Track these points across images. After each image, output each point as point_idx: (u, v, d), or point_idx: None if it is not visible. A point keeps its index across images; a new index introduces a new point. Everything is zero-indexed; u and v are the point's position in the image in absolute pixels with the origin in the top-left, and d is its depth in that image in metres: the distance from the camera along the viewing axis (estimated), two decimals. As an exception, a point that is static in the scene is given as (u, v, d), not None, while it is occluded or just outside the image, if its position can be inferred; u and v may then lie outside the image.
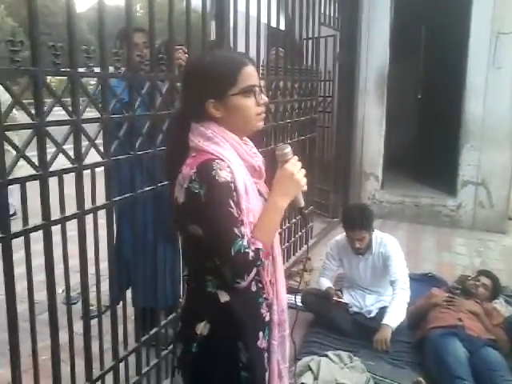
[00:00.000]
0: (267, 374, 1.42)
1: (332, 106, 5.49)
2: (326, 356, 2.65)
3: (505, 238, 5.20)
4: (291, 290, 3.63)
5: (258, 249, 1.25)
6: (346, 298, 3.25)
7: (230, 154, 1.30)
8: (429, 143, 6.81)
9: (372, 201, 5.74)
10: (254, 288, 1.36)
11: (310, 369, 2.50)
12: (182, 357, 1.40)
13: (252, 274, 1.28)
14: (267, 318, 1.42)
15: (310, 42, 4.53)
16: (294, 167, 1.36)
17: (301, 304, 3.25)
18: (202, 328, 1.33)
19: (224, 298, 1.32)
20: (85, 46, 1.87)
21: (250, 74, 1.33)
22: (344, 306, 3.17)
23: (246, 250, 1.23)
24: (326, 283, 3.30)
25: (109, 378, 2.13)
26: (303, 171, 1.38)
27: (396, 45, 5.76)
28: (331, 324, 3.15)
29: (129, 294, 2.40)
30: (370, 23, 5.62)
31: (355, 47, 5.63)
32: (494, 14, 5.14)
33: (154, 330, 2.41)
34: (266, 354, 1.42)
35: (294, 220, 4.24)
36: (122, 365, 2.20)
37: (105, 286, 2.09)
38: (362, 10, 5.58)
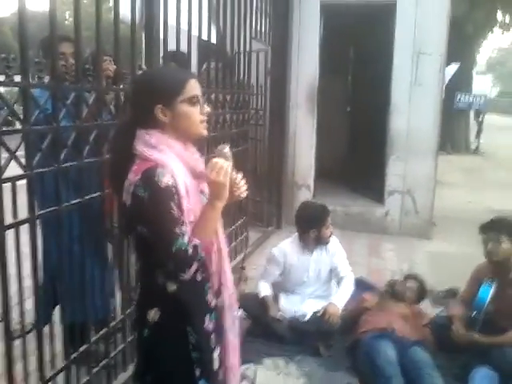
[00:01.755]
0: (216, 352, 1.59)
1: (264, 118, 5.57)
2: (262, 363, 2.66)
3: (429, 243, 5.47)
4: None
5: (196, 245, 1.40)
6: (282, 302, 3.32)
7: (173, 161, 1.44)
8: (358, 155, 7.07)
9: (305, 211, 5.85)
10: (199, 278, 1.46)
11: (246, 376, 2.50)
12: (137, 341, 1.57)
13: (194, 268, 1.40)
14: (213, 304, 1.58)
15: (242, 56, 4.60)
16: (217, 171, 1.44)
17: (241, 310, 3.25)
18: (153, 315, 1.48)
19: (172, 287, 1.46)
20: (6, 53, 1.80)
21: (196, 86, 1.50)
22: (279, 321, 3.20)
23: (185, 248, 1.38)
24: (264, 289, 3.34)
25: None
26: (227, 173, 1.46)
27: (326, 61, 5.97)
28: (267, 330, 3.17)
29: (58, 311, 2.31)
30: (300, 39, 5.77)
31: (286, 62, 5.75)
32: (414, 37, 5.47)
33: (84, 347, 2.32)
34: (212, 335, 1.57)
35: (228, 230, 4.25)
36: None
37: (30, 303, 2.00)
38: (293, 27, 5.73)
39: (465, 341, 2.88)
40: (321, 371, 2.80)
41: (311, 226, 3.27)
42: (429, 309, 3.59)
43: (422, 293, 3.49)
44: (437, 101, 5.61)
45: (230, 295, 1.64)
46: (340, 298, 3.18)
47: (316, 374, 2.74)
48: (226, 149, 1.54)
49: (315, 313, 3.18)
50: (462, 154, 13.19)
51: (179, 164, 1.46)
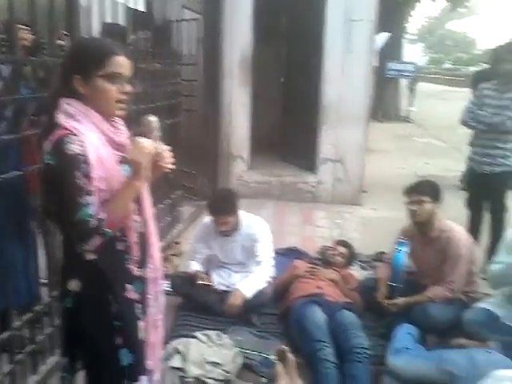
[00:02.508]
0: (142, 323, 1.61)
1: (198, 89, 5.48)
2: (195, 337, 2.69)
3: (360, 210, 5.67)
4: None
5: (102, 219, 1.40)
6: (214, 278, 3.32)
7: (88, 130, 1.42)
8: (292, 124, 7.13)
9: (240, 182, 5.89)
10: (120, 247, 1.53)
11: (179, 351, 2.52)
12: (61, 313, 1.58)
13: (98, 241, 1.41)
14: (136, 273, 1.59)
15: (173, 25, 4.47)
16: (138, 151, 1.46)
17: (170, 288, 3.26)
18: (74, 285, 1.50)
19: (90, 256, 1.47)
20: None
21: (120, 63, 1.46)
22: (210, 287, 3.22)
23: (88, 219, 1.38)
24: (194, 266, 3.33)
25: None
26: (148, 153, 1.47)
27: (260, 30, 5.90)
28: (200, 305, 3.18)
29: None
30: (232, 8, 5.66)
31: (219, 31, 5.64)
32: (346, 3, 5.51)
33: (7, 334, 2.24)
34: (138, 305, 1.60)
35: (161, 205, 4.20)
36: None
37: None
38: (224, -6, 5.61)
39: (388, 308, 3.03)
40: (253, 340, 2.86)
41: (213, 214, 3.23)
42: (358, 272, 3.74)
43: (350, 257, 3.63)
44: (368, 69, 5.72)
45: (155, 269, 1.65)
46: (249, 285, 3.11)
47: (249, 343, 2.79)
48: (153, 119, 1.55)
49: None
50: (392, 121, 13.62)
51: (95, 134, 1.45)
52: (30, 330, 2.40)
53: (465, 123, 4.06)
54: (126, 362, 1.55)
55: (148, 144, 1.47)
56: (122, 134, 1.56)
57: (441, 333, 2.93)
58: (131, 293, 1.57)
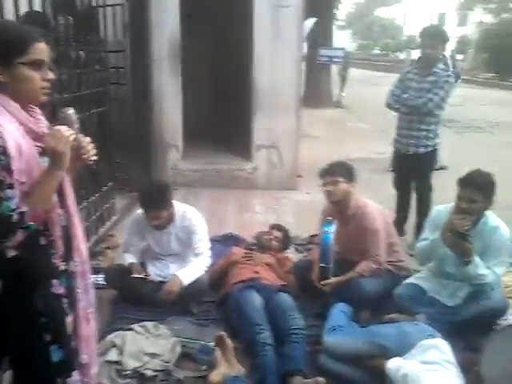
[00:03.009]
0: (70, 318, 1.58)
1: (126, 77, 5.33)
2: (131, 329, 2.64)
3: (295, 194, 5.76)
4: (96, 270, 3.55)
5: (23, 212, 1.36)
6: (150, 269, 3.27)
7: (5, 121, 1.36)
8: (226, 112, 7.11)
9: (175, 171, 5.81)
10: (43, 242, 1.49)
11: (115, 345, 2.47)
12: None
13: (20, 236, 1.37)
14: (62, 268, 1.55)
15: (96, 10, 4.30)
16: (57, 139, 1.43)
17: (105, 282, 3.18)
18: None
19: (11, 253, 1.41)
20: None
21: (42, 50, 1.43)
22: (145, 279, 3.17)
23: (10, 213, 1.33)
24: (128, 258, 3.26)
25: None
26: (67, 141, 1.45)
27: (189, 16, 5.79)
28: (137, 297, 3.13)
29: None
30: (158, -8, 5.53)
31: (146, 17, 5.50)
32: (273, -12, 5.51)
33: None
34: (65, 300, 1.56)
35: (93, 198, 4.08)
36: None
37: None
38: (149, -21, 5.46)
39: (322, 288, 3.10)
40: (192, 328, 2.86)
41: (145, 209, 3.14)
42: (294, 255, 3.82)
43: (286, 241, 3.69)
44: (297, 55, 5.78)
45: (82, 261, 1.63)
46: (187, 273, 3.08)
47: (187, 332, 2.79)
48: (70, 111, 1.52)
49: None
50: (325, 107, 13.88)
51: (14, 124, 1.40)
52: None
53: (389, 106, 4.22)
54: (56, 358, 1.53)
55: (67, 132, 1.44)
56: (41, 124, 1.52)
57: (374, 308, 3.05)
58: (57, 288, 1.54)
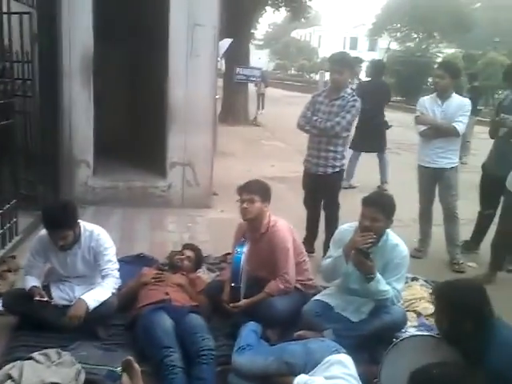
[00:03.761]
0: None
1: (33, 89, 5.09)
2: (31, 358, 2.49)
3: (210, 212, 5.76)
4: (-6, 295, 3.32)
5: None
6: (54, 292, 3.11)
7: None
8: (140, 127, 6.99)
9: (84, 188, 5.60)
10: None
11: (11, 377, 2.31)
12: None
13: None
14: None
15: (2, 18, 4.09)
16: None
17: (2, 308, 2.99)
18: None
19: None
20: None
21: None
22: (48, 303, 3.01)
23: None
24: (30, 282, 3.07)
25: None
26: None
27: (102, 28, 5.66)
28: (40, 323, 2.96)
29: None
30: (70, 3, 5.34)
31: (56, 27, 5.29)
32: (190, 8, 5.54)
33: None
34: None
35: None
36: None
37: None
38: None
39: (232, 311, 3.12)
40: (99, 353, 2.75)
41: (48, 229, 3.02)
42: (206, 275, 3.80)
43: (198, 261, 3.68)
44: (212, 72, 5.82)
45: None
46: (93, 296, 2.97)
47: (94, 357, 2.68)
48: None
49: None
50: (241, 125, 14.10)
51: None
52: None
53: (301, 127, 4.37)
54: None
55: None
56: None
57: (283, 326, 3.11)
58: None
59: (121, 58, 7.34)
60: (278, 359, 2.49)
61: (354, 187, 7.16)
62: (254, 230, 3.26)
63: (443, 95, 4.43)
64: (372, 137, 7.22)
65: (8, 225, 4.16)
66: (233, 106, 14.36)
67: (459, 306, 2.23)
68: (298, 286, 3.25)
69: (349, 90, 4.34)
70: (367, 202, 2.96)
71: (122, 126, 7.40)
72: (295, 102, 19.74)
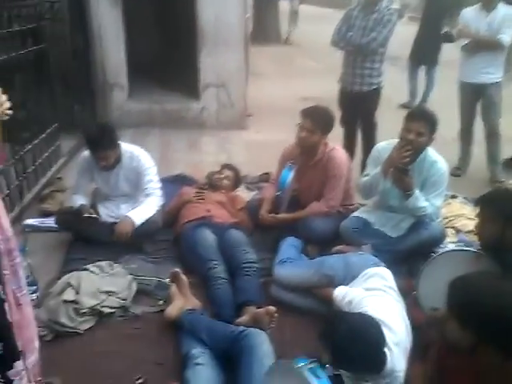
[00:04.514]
0: (6, 304, 1.39)
1: (62, 12, 5.00)
2: (86, 269, 2.67)
3: (245, 133, 5.76)
4: (46, 213, 3.51)
5: None
6: (101, 210, 3.25)
7: None
8: (172, 49, 6.88)
9: (120, 111, 5.65)
10: None
11: (70, 285, 2.49)
12: None
13: None
14: None
15: None
16: None
17: (56, 225, 3.16)
18: None
19: None
20: None
21: None
22: (96, 219, 3.16)
23: None
24: (78, 200, 3.22)
25: None
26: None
27: None
28: (90, 238, 3.13)
29: None
30: None
31: None
32: None
33: None
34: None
35: (36, 141, 3.93)
36: None
37: None
38: None
39: (270, 222, 3.20)
40: (148, 266, 2.91)
41: (92, 150, 3.12)
42: (245, 194, 3.89)
43: (236, 180, 3.75)
44: (244, -11, 5.60)
45: (6, 239, 1.42)
46: (138, 213, 3.11)
47: (143, 270, 2.84)
48: None
49: None
50: (273, 44, 13.66)
51: None
52: None
53: (335, 44, 4.22)
54: None
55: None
56: None
57: (323, 243, 3.18)
58: None
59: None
60: (317, 271, 2.58)
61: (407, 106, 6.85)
62: (307, 155, 3.22)
63: (488, 6, 4.17)
64: (430, 48, 6.80)
65: (52, 148, 4.29)
66: (264, 25, 13.84)
67: (506, 214, 2.23)
68: (340, 209, 3.28)
69: (385, 3, 4.11)
70: (413, 115, 2.89)
71: (155, 48, 7.29)
72: (328, 19, 18.89)
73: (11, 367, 1.42)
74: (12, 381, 1.42)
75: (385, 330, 1.95)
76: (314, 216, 3.16)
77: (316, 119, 3.12)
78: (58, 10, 4.91)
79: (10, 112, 1.41)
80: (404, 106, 6.84)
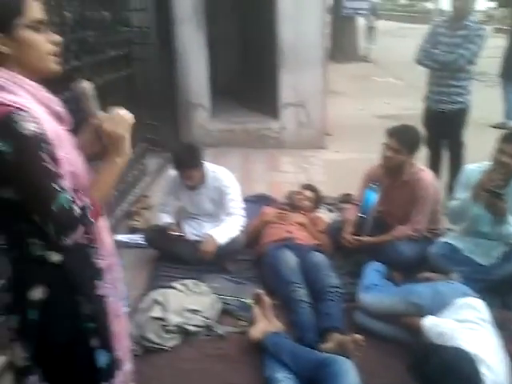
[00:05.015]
0: (108, 316, 1.45)
1: (150, 37, 5.27)
2: (172, 287, 2.75)
3: (325, 153, 5.73)
4: (133, 230, 3.66)
5: (85, 206, 1.24)
6: (185, 228, 3.35)
7: (30, 102, 1.19)
8: (252, 68, 7.02)
9: (202, 131, 5.83)
10: (83, 240, 1.33)
11: (158, 302, 2.57)
12: (20, 328, 1.34)
13: (80, 232, 1.23)
14: (99, 266, 1.42)
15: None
16: (113, 122, 1.32)
17: (144, 242, 3.29)
18: (37, 293, 1.29)
19: (54, 257, 1.28)
20: None
21: (38, 9, 1.23)
22: (182, 238, 3.26)
23: (71, 206, 1.19)
24: (164, 218, 3.35)
25: None
26: (128, 120, 1.34)
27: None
28: (175, 256, 3.23)
29: None
30: None
31: (167, -27, 5.39)
32: None
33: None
34: (105, 300, 1.43)
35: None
36: None
37: None
38: None
39: (353, 245, 3.15)
40: (230, 286, 2.95)
41: (178, 169, 3.23)
42: (325, 215, 3.85)
43: (317, 201, 3.73)
44: (322, 7, 5.61)
45: (108, 254, 1.47)
46: (221, 232, 3.16)
47: (226, 289, 2.89)
48: (85, 84, 1.36)
49: None
50: (351, 61, 13.56)
51: (38, 106, 1.22)
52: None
53: (419, 62, 4.11)
54: (102, 363, 1.41)
55: (126, 115, 1.32)
56: (54, 102, 1.32)
57: (407, 268, 3.07)
58: (100, 289, 1.41)
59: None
60: (405, 299, 2.49)
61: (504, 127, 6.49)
62: (393, 176, 3.16)
63: None
64: None
65: (139, 166, 4.49)
66: (341, 42, 13.77)
67: None
68: (426, 233, 3.17)
69: (473, 18, 3.96)
70: (510, 137, 2.75)
71: (235, 68, 7.47)
72: (407, 35, 18.50)
73: (115, 376, 1.48)
74: None
75: (482, 368, 1.84)
76: (399, 240, 3.07)
77: (402, 138, 3.04)
78: (147, 35, 5.18)
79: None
80: (496, 126, 6.47)
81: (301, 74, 5.71)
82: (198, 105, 5.86)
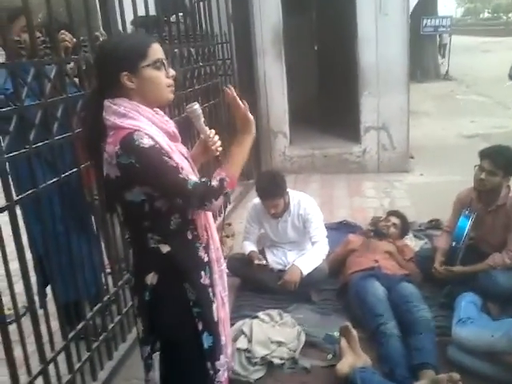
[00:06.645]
0: (214, 305, 1.65)
1: (232, 68, 5.45)
2: (257, 317, 2.73)
3: (408, 176, 5.55)
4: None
5: (223, 178, 1.47)
6: (268, 257, 3.35)
7: (147, 125, 1.45)
8: (330, 93, 7.00)
9: (283, 157, 5.87)
10: (190, 236, 1.57)
11: (243, 332, 2.57)
12: (139, 306, 1.61)
13: (221, 200, 1.46)
14: (206, 259, 1.63)
15: (201, 4, 4.42)
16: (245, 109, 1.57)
17: (227, 270, 3.31)
18: (151, 278, 1.53)
19: (165, 249, 1.52)
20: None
21: (158, 50, 1.50)
22: (266, 267, 3.25)
23: (203, 180, 1.45)
24: (249, 247, 3.36)
25: (38, 382, 2.05)
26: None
27: (289, 1, 5.77)
28: (259, 285, 3.23)
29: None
30: (260, -19, 5.55)
31: (247, 6, 5.57)
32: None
33: (81, 324, 2.35)
34: (209, 289, 1.63)
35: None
36: (52, 366, 2.12)
37: (20, 287, 1.99)
38: (250, -33, 5.50)
39: (445, 275, 2.98)
40: (315, 317, 2.89)
41: (262, 198, 3.23)
42: (413, 242, 3.69)
43: (404, 228, 3.58)
44: (404, 29, 5.52)
45: (216, 249, 1.68)
46: (306, 262, 3.12)
47: (311, 320, 2.83)
48: (196, 106, 1.59)
49: None
50: (432, 80, 13.17)
51: (154, 127, 1.48)
52: (101, 318, 2.51)
53: None
54: (207, 344, 1.60)
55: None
56: (170, 124, 1.59)
57: (504, 300, 2.85)
58: (205, 279, 1.61)
59: (308, 25, 7.40)
60: (506, 335, 2.30)
61: None
62: (487, 200, 2.99)
63: None
64: None
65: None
66: (421, 61, 13.44)
67: None
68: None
69: None
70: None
71: (314, 94, 7.50)
72: (491, 49, 17.67)
73: (219, 359, 1.65)
74: (219, 370, 1.66)
75: None
76: (495, 269, 2.87)
77: (497, 159, 2.86)
78: (229, 66, 5.35)
79: (220, 148, 1.61)
80: None
81: (383, 96, 5.63)
82: (278, 132, 5.93)
